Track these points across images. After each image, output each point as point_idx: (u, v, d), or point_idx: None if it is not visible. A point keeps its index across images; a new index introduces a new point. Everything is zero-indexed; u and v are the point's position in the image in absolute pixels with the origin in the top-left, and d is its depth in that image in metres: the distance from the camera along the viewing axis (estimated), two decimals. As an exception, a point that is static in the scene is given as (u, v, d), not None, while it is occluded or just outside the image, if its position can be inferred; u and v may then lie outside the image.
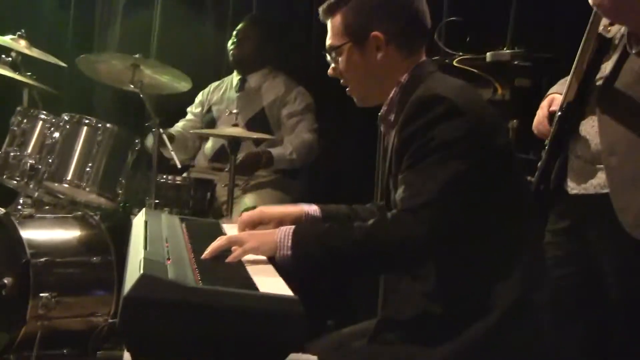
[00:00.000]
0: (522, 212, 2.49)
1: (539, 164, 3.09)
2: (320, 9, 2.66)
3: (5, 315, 4.24)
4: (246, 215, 2.79)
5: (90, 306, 4.46)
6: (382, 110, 2.63)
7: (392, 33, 2.55)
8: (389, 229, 2.31)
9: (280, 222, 2.73)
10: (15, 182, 4.69)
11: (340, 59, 2.62)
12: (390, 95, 2.58)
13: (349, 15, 2.58)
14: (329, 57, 2.68)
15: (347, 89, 2.68)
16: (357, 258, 2.34)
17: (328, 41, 2.65)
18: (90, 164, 4.57)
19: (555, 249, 3.10)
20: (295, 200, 5.01)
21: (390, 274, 2.52)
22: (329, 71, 2.69)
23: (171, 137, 4.97)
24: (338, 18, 2.60)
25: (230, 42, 5.35)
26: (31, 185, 4.63)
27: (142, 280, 1.93)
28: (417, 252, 2.32)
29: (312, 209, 2.83)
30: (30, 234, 4.33)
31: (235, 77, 5.41)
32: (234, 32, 5.34)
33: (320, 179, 5.37)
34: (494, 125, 2.46)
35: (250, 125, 5.05)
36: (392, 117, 2.59)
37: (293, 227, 2.41)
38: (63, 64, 5.29)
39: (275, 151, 4.97)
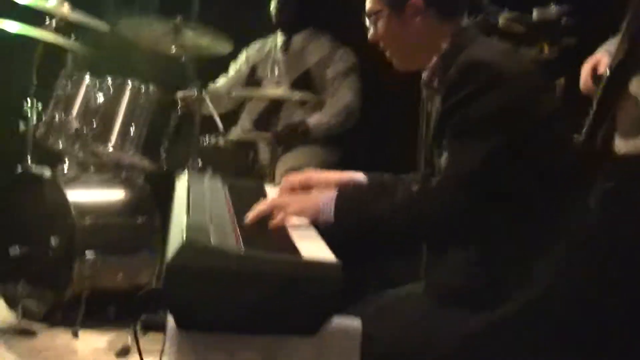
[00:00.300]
0: (566, 183, 2.45)
1: (586, 123, 3.05)
2: None
3: (52, 275, 4.32)
4: (292, 177, 2.78)
5: (135, 266, 4.54)
6: (424, 76, 2.59)
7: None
8: (432, 196, 2.30)
9: (325, 187, 2.72)
10: (60, 145, 4.72)
11: (379, 23, 2.58)
12: (433, 61, 2.54)
13: None
14: (367, 22, 2.64)
15: (387, 54, 2.64)
16: (399, 224, 2.33)
17: (367, 5, 2.60)
18: (133, 127, 4.60)
19: (601, 210, 3.08)
20: (338, 159, 5.02)
21: (432, 241, 2.50)
22: (369, 36, 2.64)
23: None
24: None
25: (273, 1, 5.31)
26: (76, 148, 4.67)
27: (185, 247, 1.92)
28: (460, 220, 2.30)
29: (359, 175, 2.82)
30: (76, 195, 4.39)
31: (279, 38, 5.37)
32: None
33: (364, 139, 5.35)
34: (540, 91, 2.42)
35: (294, 86, 5.03)
36: (435, 82, 2.56)
37: (336, 192, 2.40)
38: (106, 27, 5.29)
39: (313, 120, 4.94)
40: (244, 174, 4.77)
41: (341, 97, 5.07)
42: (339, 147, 5.17)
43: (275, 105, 4.50)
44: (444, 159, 2.37)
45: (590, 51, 3.29)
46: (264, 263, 1.95)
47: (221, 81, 5.49)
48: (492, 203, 2.29)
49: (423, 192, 2.34)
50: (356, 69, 5.19)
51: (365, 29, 2.68)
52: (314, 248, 2.14)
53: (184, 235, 1.99)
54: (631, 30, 2.89)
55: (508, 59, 2.42)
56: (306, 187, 2.75)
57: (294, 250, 2.10)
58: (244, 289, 1.93)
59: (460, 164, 2.30)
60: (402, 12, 2.53)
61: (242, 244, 2.13)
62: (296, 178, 2.78)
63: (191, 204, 2.42)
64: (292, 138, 4.94)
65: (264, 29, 5.69)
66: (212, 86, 5.40)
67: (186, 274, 1.92)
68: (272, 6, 5.30)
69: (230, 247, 2.04)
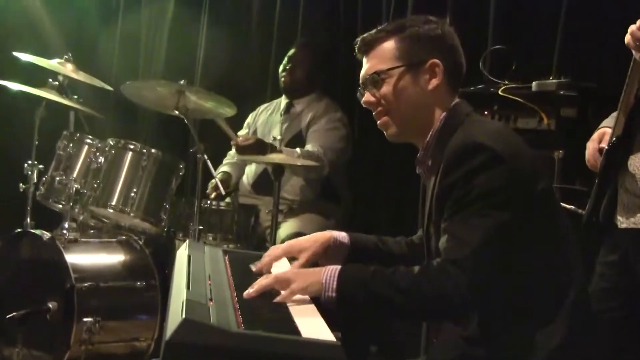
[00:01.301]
0: (564, 256, 2.47)
1: (590, 197, 3.07)
2: (367, 35, 2.63)
3: (49, 339, 4.28)
4: (273, 250, 2.80)
5: (133, 331, 4.50)
6: (419, 154, 2.61)
7: (448, 65, 2.56)
8: (434, 279, 2.30)
9: (310, 252, 2.74)
10: (60, 205, 4.75)
11: (386, 82, 2.57)
12: (427, 139, 2.56)
13: (406, 41, 2.56)
14: (365, 88, 2.62)
15: (380, 122, 2.64)
16: (401, 306, 2.34)
17: (370, 69, 2.60)
18: (135, 189, 4.61)
19: (605, 281, 3.09)
20: (337, 225, 5.03)
21: (433, 322, 2.52)
22: (365, 99, 2.63)
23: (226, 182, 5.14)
24: (391, 44, 2.57)
25: (281, 67, 5.36)
26: (76, 209, 4.68)
27: (184, 324, 1.93)
28: (462, 303, 2.31)
29: (341, 236, 2.82)
30: (75, 258, 4.37)
31: (283, 101, 5.42)
32: (286, 58, 5.34)
33: (362, 205, 5.36)
34: (535, 171, 2.44)
35: (288, 147, 5.04)
36: (429, 162, 2.58)
37: (339, 268, 2.40)
38: (109, 88, 5.33)
39: (285, 149, 4.91)
40: (244, 238, 4.77)
41: (310, 145, 5.05)
42: (337, 212, 5.18)
43: (276, 171, 4.49)
44: (442, 242, 2.37)
45: (590, 123, 3.31)
46: (264, 342, 1.95)
47: (231, 152, 5.52)
48: (491, 284, 2.31)
49: (425, 274, 2.33)
50: (340, 129, 5.18)
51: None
52: (314, 327, 2.13)
53: (184, 312, 1.99)
54: (627, 105, 2.92)
55: (504, 138, 2.44)
56: (291, 255, 2.78)
57: (294, 328, 2.10)
58: (243, 367, 1.94)
59: (460, 245, 2.31)
60: (418, 71, 2.55)
61: (241, 320, 2.13)
62: (276, 252, 2.78)
63: (191, 276, 2.41)
64: (259, 152, 4.86)
65: (267, 93, 5.76)
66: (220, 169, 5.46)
67: (185, 350, 1.93)
68: (280, 72, 5.35)
69: (230, 324, 2.04)
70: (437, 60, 2.54)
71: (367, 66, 2.63)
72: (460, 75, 2.62)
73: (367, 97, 2.63)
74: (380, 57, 2.59)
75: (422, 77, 2.55)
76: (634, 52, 2.75)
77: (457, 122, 2.51)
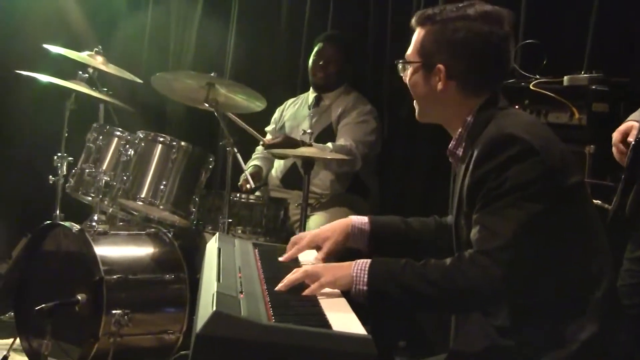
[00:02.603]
0: (595, 250, 2.46)
1: (617, 192, 3.05)
2: (415, 15, 2.64)
3: (78, 331, 4.29)
4: (297, 240, 2.84)
5: (162, 323, 4.50)
6: (450, 144, 2.62)
7: (456, 71, 2.53)
8: (465, 271, 2.30)
9: (332, 240, 2.78)
10: (90, 198, 4.76)
11: (408, 71, 2.64)
12: (459, 130, 2.58)
13: (429, 36, 2.57)
14: (400, 65, 2.67)
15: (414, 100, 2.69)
16: (433, 298, 2.34)
17: (409, 49, 2.65)
18: (164, 182, 4.62)
19: (631, 277, 3.08)
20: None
21: (466, 313, 2.52)
22: (403, 77, 2.69)
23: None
24: (421, 34, 2.59)
25: (311, 63, 5.36)
26: (105, 202, 4.70)
27: (215, 317, 1.93)
28: (494, 295, 2.32)
29: (361, 221, 2.85)
30: (104, 250, 4.37)
31: (311, 95, 5.42)
32: (315, 54, 5.35)
33: (391, 200, 5.35)
34: (567, 164, 2.44)
35: (318, 141, 5.03)
36: (460, 150, 2.59)
37: (369, 261, 2.40)
38: (139, 80, 5.34)
39: (315, 145, 4.89)
40: (273, 231, 4.77)
41: (342, 139, 5.04)
42: (364, 207, 5.16)
43: (305, 164, 4.48)
44: (474, 233, 2.37)
45: (621, 119, 3.29)
46: (294, 335, 1.95)
47: (259, 149, 5.54)
48: (523, 275, 2.31)
49: (456, 266, 2.33)
50: (370, 122, 5.17)
51: (395, 88, 2.69)
52: (345, 320, 2.13)
53: (214, 305, 1.99)
54: None
55: (537, 131, 2.43)
56: (315, 247, 2.81)
57: (325, 322, 2.10)
58: (274, 360, 1.93)
59: (493, 237, 2.30)
60: (429, 72, 2.57)
61: (272, 313, 2.13)
62: (303, 242, 2.82)
63: (221, 269, 2.42)
64: (284, 147, 4.84)
65: (297, 87, 5.75)
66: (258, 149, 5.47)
67: (216, 344, 1.93)
68: (310, 67, 5.35)
69: (260, 317, 2.04)
70: (441, 66, 2.53)
71: (411, 44, 2.66)
72: (492, 74, 2.58)
73: (403, 77, 2.69)
74: (413, 43, 2.63)
75: (433, 77, 2.57)
76: None
77: (490, 115, 2.51)
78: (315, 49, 5.36)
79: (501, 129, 2.41)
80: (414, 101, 2.68)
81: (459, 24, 2.52)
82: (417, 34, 2.61)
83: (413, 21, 2.64)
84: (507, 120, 2.47)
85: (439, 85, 2.54)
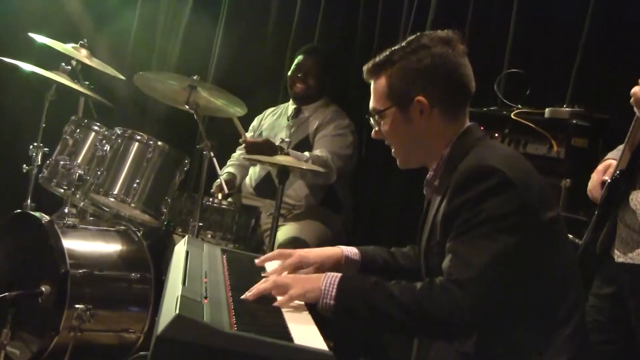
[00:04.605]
0: (567, 285, 2.47)
1: (588, 228, 3.06)
2: (365, 68, 2.64)
3: (39, 323, 4.24)
4: (286, 263, 2.74)
5: (124, 322, 4.46)
6: (428, 175, 2.62)
7: (436, 97, 2.54)
8: (435, 297, 2.29)
9: (319, 266, 2.74)
10: (62, 190, 4.74)
11: (383, 122, 2.61)
12: (437, 163, 2.57)
13: (394, 78, 2.56)
14: (372, 120, 2.66)
15: (393, 151, 2.68)
16: (399, 321, 2.32)
17: (372, 104, 2.63)
18: (137, 180, 4.59)
19: (598, 313, 3.10)
20: (336, 234, 5.01)
21: (431, 340, 2.52)
22: (372, 133, 2.68)
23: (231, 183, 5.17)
24: (382, 81, 2.58)
25: (290, 74, 5.35)
26: (77, 195, 4.67)
27: (177, 320, 1.92)
28: (462, 325, 2.31)
29: (352, 252, 2.82)
30: (72, 244, 4.34)
31: (290, 106, 5.41)
32: (295, 66, 5.34)
33: (363, 216, 5.35)
34: (544, 198, 2.45)
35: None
36: (437, 182, 2.58)
37: (339, 276, 2.39)
38: (122, 77, 5.32)
39: (292, 152, 4.89)
40: (243, 239, 4.75)
41: (318, 151, 5.03)
42: (337, 221, 5.16)
43: (281, 173, 4.47)
44: (446, 261, 2.36)
45: (600, 155, 3.31)
46: (256, 345, 1.94)
47: (235, 154, 5.56)
48: (493, 308, 2.31)
49: (427, 292, 2.32)
50: (347, 136, 5.17)
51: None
52: (307, 334, 2.12)
53: (177, 308, 1.98)
54: (633, 141, 2.92)
55: (515, 164, 2.44)
56: (300, 268, 2.75)
57: (287, 335, 2.09)
58: (232, 369, 1.92)
59: (465, 267, 2.30)
60: (408, 110, 2.55)
61: (235, 321, 2.11)
62: (290, 263, 2.74)
63: (188, 272, 2.41)
64: (266, 152, 4.79)
65: (278, 96, 5.75)
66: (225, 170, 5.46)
67: (176, 347, 1.92)
68: (289, 77, 5.34)
69: (223, 324, 2.03)
70: (421, 98, 2.53)
71: (371, 99, 2.64)
72: (460, 100, 2.60)
73: (373, 131, 2.69)
74: (376, 94, 2.61)
75: (413, 113, 2.56)
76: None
77: (468, 146, 2.52)
78: (295, 61, 5.36)
79: (480, 160, 2.41)
80: (393, 152, 2.68)
81: (421, 54, 2.54)
82: (377, 84, 2.60)
83: (366, 76, 2.64)
84: (486, 151, 2.48)
85: (422, 118, 2.54)
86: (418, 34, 2.62)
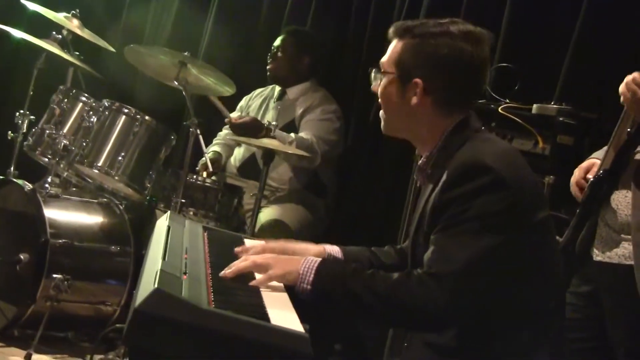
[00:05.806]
0: (551, 286, 2.46)
1: (570, 225, 3.08)
2: (393, 26, 2.58)
3: (16, 290, 4.26)
4: (269, 248, 2.72)
5: (101, 294, 4.47)
6: (420, 162, 2.58)
7: (434, 88, 2.48)
8: (412, 289, 2.28)
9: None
10: (46, 159, 4.73)
11: (381, 82, 2.57)
12: (431, 151, 2.53)
13: (408, 50, 2.50)
14: (373, 74, 2.62)
15: (380, 111, 2.63)
16: (375, 309, 2.31)
17: (383, 59, 2.58)
18: (122, 153, 4.60)
19: (574, 311, 3.11)
20: (318, 219, 5.02)
21: (404, 330, 2.52)
22: (372, 86, 2.63)
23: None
24: (399, 46, 2.53)
25: (268, 56, 5.34)
26: (61, 165, 4.66)
27: (155, 294, 1.92)
28: (436, 319, 2.30)
29: (335, 250, 2.80)
30: (53, 213, 4.35)
31: (277, 88, 5.40)
32: (273, 45, 5.31)
33: (346, 201, 5.35)
34: (537, 199, 2.43)
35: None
36: (429, 170, 2.54)
37: (318, 260, 2.39)
38: (112, 49, 5.30)
39: (278, 132, 4.86)
40: (225, 218, 4.75)
41: (303, 133, 5.03)
42: (320, 206, 5.16)
43: (265, 156, 4.46)
44: (428, 253, 2.35)
45: (585, 154, 3.32)
46: (232, 323, 1.94)
47: (222, 133, 5.55)
48: (470, 305, 2.29)
49: (404, 282, 2.31)
50: (334, 121, 5.15)
51: (366, 94, 2.67)
52: (284, 316, 2.12)
53: (156, 282, 1.98)
54: (618, 141, 2.93)
55: (510, 161, 2.41)
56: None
57: (264, 314, 2.09)
58: (208, 345, 1.92)
59: (446, 261, 2.28)
60: (405, 85, 2.51)
61: (213, 298, 2.12)
62: (273, 248, 2.71)
63: (168, 248, 2.40)
64: (253, 132, 4.79)
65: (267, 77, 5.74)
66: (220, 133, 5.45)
67: (152, 321, 1.92)
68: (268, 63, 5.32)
69: (200, 301, 2.03)
70: (419, 82, 2.48)
71: (386, 53, 2.59)
72: (465, 97, 2.54)
73: (373, 85, 2.62)
74: (390, 53, 2.56)
75: (408, 91, 2.50)
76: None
77: (465, 137, 2.47)
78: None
79: (475, 155, 2.38)
80: (380, 112, 2.62)
81: (441, 40, 2.47)
82: (395, 45, 2.55)
83: (391, 32, 2.57)
84: (482, 146, 2.44)
85: (414, 100, 2.48)
86: (453, 18, 2.54)
